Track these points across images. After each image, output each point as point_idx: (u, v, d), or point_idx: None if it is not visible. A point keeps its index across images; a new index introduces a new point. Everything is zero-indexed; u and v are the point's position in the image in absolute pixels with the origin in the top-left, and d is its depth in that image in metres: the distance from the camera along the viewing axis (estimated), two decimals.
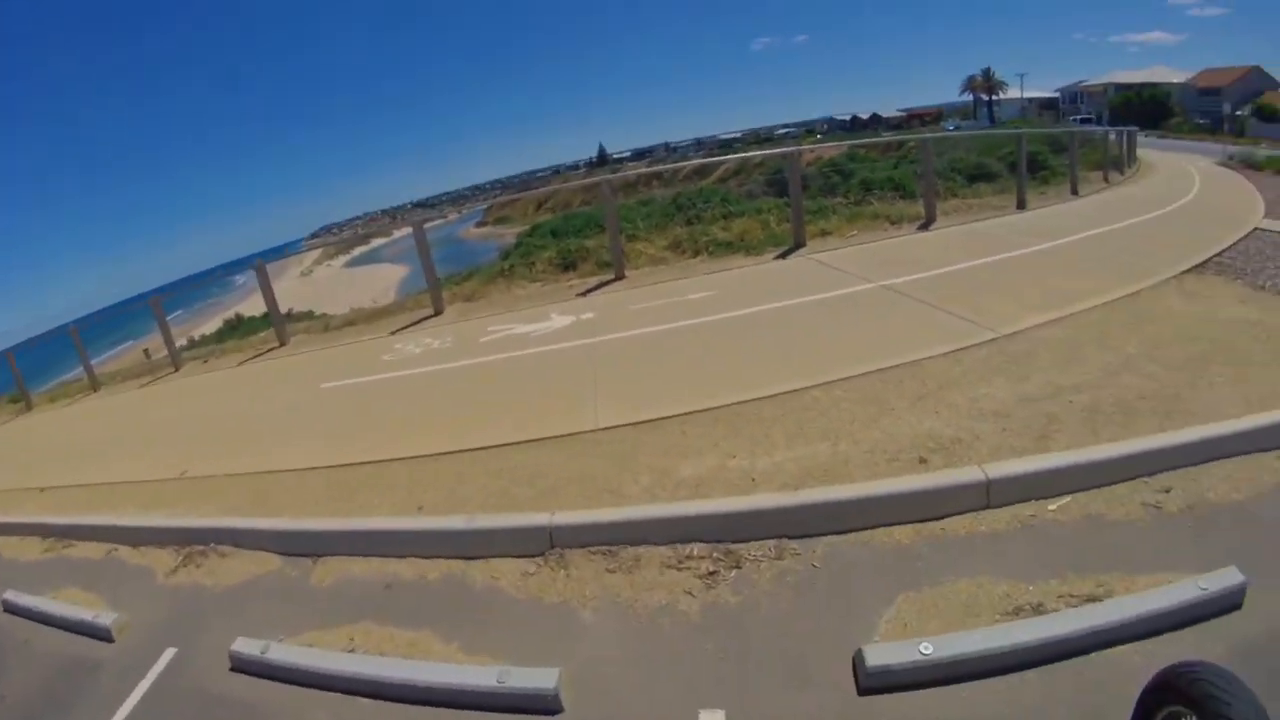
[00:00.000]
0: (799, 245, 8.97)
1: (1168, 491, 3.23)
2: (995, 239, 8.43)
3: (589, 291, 8.56)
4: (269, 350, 9.97)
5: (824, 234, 9.47)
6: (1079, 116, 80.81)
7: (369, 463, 4.71)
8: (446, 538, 3.61)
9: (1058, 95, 76.65)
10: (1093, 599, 2.63)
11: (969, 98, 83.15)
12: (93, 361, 12.76)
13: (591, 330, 6.78)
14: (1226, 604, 2.55)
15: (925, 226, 9.56)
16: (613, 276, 8.87)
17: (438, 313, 9.15)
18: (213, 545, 4.23)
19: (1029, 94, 77.94)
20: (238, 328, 23.04)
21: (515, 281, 9.85)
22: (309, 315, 20.73)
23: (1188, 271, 6.55)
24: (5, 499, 6.18)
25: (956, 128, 73.17)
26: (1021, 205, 10.77)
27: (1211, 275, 6.50)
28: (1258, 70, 55.18)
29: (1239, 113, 46.51)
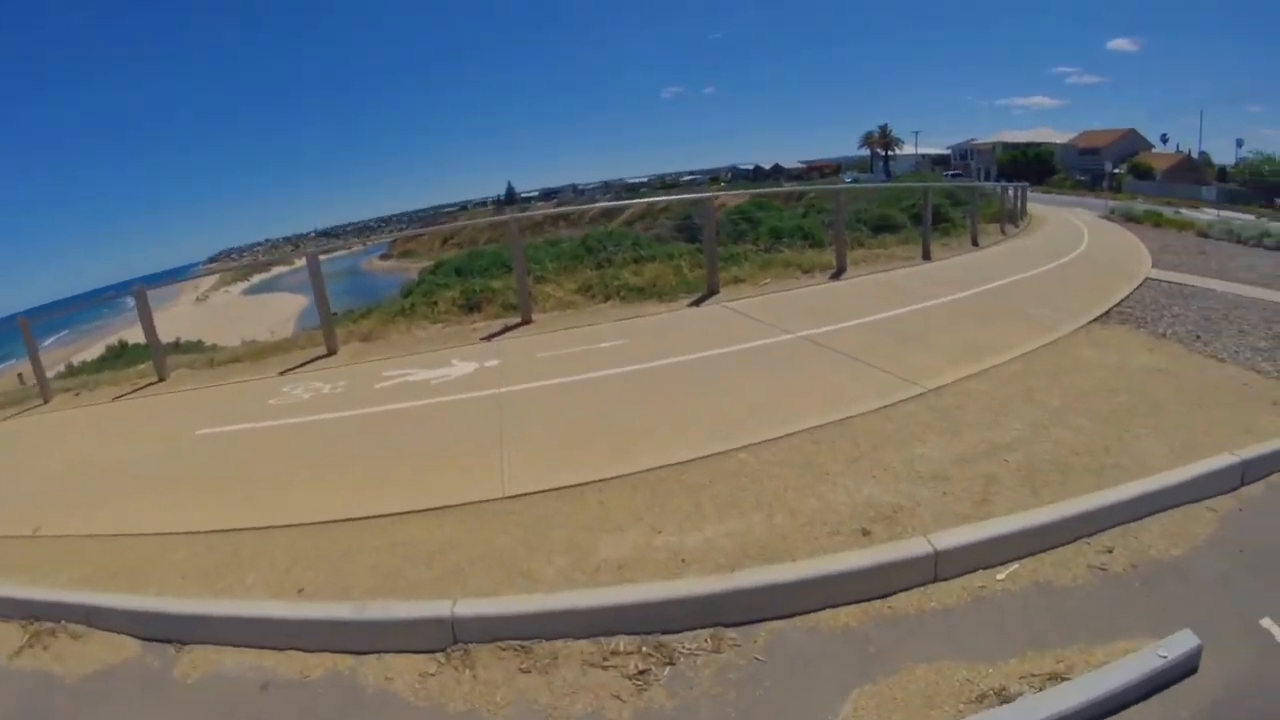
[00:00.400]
0: (713, 292, 8.81)
1: (1110, 551, 3.16)
2: (907, 290, 8.50)
3: (494, 336, 8.09)
4: (147, 385, 9.02)
5: (737, 281, 9.37)
6: (951, 172, 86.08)
7: (242, 530, 4.09)
8: (332, 629, 3.08)
9: (950, 152, 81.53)
10: (1055, 677, 2.46)
11: (866, 152, 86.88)
12: None
13: (497, 379, 6.31)
14: (1185, 669, 2.48)
15: (837, 276, 9.61)
16: (519, 320, 8.45)
17: (331, 352, 8.49)
18: (64, 623, 3.54)
19: (923, 150, 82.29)
20: (121, 355, 21.23)
21: (416, 321, 9.30)
22: (198, 346, 19.39)
23: (1094, 321, 6.73)
24: None
25: (854, 180, 76.47)
26: (927, 256, 11.05)
27: (1115, 324, 6.68)
28: (1133, 133, 60.93)
29: (1117, 170, 50.38)
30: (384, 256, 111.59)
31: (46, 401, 9.54)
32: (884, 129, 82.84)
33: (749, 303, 8.24)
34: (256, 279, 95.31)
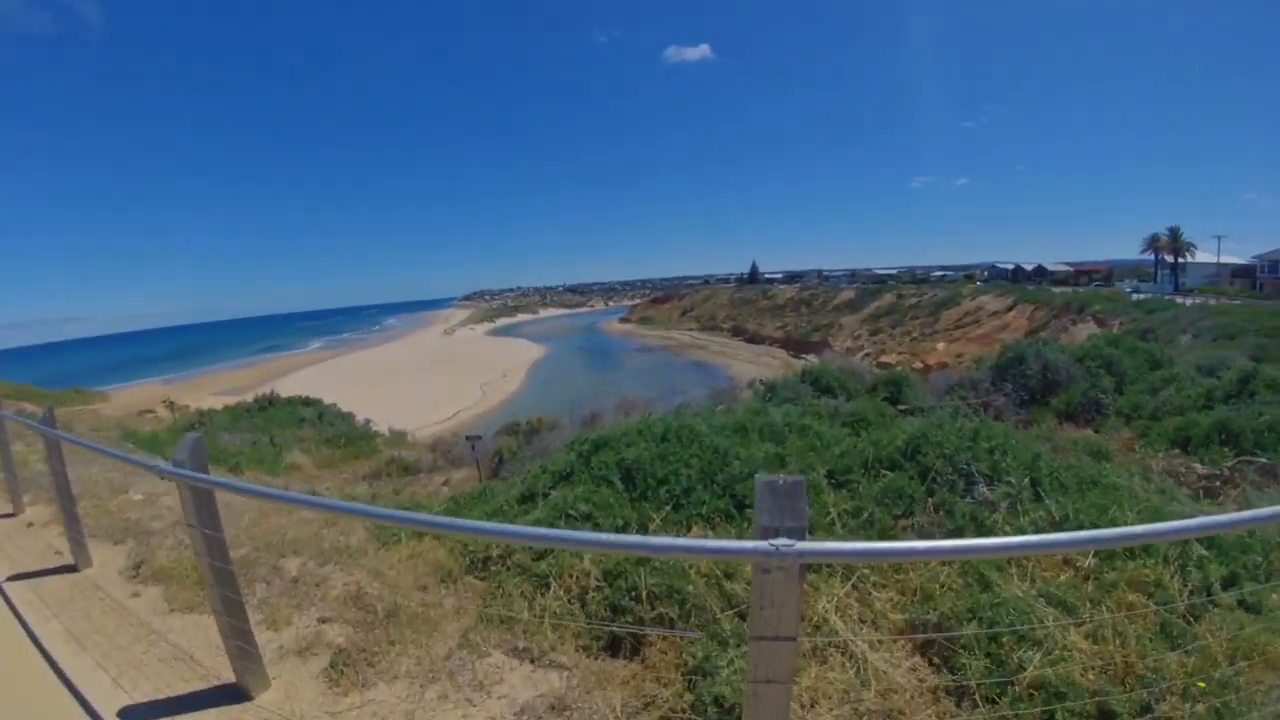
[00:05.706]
0: None
1: None
2: None
3: None
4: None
5: None
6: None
7: None
8: None
9: (1254, 262, 65.55)
10: None
11: (1144, 256, 75.87)
12: None
13: None
14: None
15: None
16: None
17: (247, 695, 3.30)
18: None
19: (1223, 258, 69.52)
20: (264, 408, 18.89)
21: (493, 623, 3.85)
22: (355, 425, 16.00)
23: None
24: None
25: (1135, 290, 63.96)
26: None
27: None
28: None
29: None
30: (623, 320, 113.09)
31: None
32: (1174, 231, 69.52)
33: None
34: (501, 322, 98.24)
